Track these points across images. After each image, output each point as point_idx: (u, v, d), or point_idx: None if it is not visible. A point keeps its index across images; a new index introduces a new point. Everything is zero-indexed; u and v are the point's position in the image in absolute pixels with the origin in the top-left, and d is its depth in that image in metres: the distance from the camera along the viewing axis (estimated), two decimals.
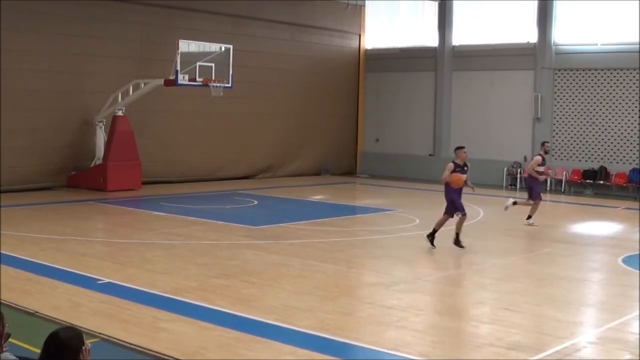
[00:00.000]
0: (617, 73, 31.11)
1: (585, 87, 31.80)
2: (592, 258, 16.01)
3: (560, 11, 32.26)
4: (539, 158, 20.22)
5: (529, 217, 19.85)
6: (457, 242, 15.65)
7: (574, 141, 32.12)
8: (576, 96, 32.02)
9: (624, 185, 30.29)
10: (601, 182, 30.56)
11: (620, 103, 30.99)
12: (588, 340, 9.63)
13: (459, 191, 15.78)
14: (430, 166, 33.98)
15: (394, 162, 35.58)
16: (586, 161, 31.47)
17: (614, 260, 15.08)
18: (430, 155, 35.16)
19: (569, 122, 32.17)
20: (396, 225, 19.40)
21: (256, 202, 23.63)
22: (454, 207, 15.67)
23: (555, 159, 32.16)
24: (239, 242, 16.14)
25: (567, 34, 32.19)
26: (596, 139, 31.50)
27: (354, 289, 12.69)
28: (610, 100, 31.22)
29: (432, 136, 35.32)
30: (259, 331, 9.40)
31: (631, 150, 30.45)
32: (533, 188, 20.26)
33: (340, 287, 12.35)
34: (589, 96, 31.69)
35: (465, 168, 15.92)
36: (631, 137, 30.62)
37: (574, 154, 32.04)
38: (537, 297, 11.90)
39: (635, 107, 30.45)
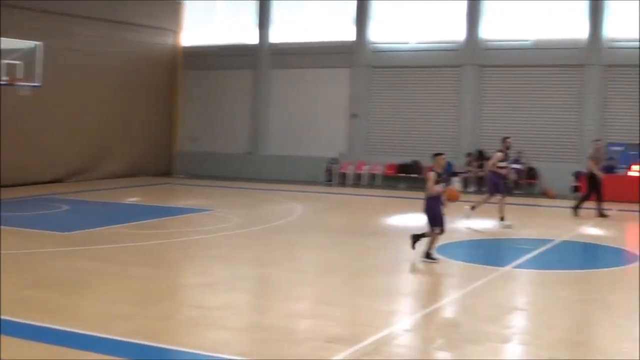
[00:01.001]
0: (431, 71, 32.28)
1: (400, 84, 32.77)
2: (406, 249, 16.47)
3: (376, 10, 33.11)
4: (500, 155, 20.16)
5: (502, 218, 19.58)
6: (428, 255, 14.50)
7: (389, 136, 33.03)
8: (391, 93, 32.94)
9: None
10: (415, 175, 31.56)
11: (433, 99, 32.16)
12: (404, 328, 9.86)
13: (439, 204, 14.44)
14: (249, 164, 34.07)
15: (212, 161, 35.32)
16: (400, 155, 32.42)
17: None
18: (249, 153, 35.17)
19: (385, 118, 33.05)
20: (215, 225, 19.18)
21: (67, 207, 22.51)
22: (434, 221, 14.35)
23: (372, 154, 32.98)
24: (50, 250, 15.36)
25: (383, 32, 33.04)
26: (410, 134, 32.52)
27: (173, 292, 12.42)
28: (424, 96, 32.34)
29: (250, 134, 35.33)
30: (72, 343, 8.96)
31: (443, 144, 31.61)
32: (497, 184, 20.03)
33: (159, 291, 12.03)
34: (403, 93, 32.68)
35: (444, 176, 14.86)
36: (443, 131, 31.84)
37: (389, 148, 32.94)
38: (354, 290, 12.10)
39: (449, 102, 31.73)
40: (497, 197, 19.94)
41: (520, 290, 12.75)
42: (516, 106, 30.85)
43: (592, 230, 19.65)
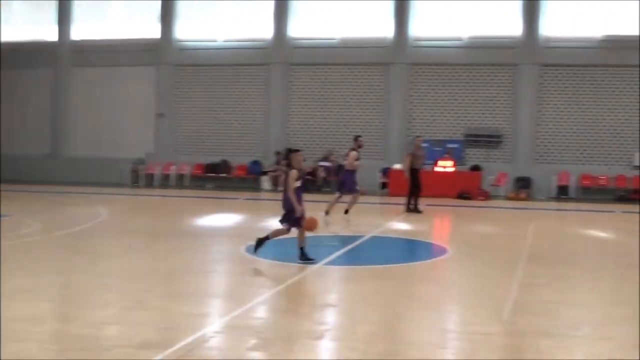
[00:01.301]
0: (239, 69, 32.09)
1: (207, 82, 32.39)
2: (216, 249, 16.14)
3: (183, 8, 32.56)
4: (355, 153, 20.34)
5: (326, 212, 19.74)
6: (303, 255, 14.18)
7: (197, 136, 32.58)
8: (199, 92, 32.50)
9: (245, 177, 31.34)
10: (223, 174, 31.29)
11: (241, 98, 31.99)
12: (215, 330, 9.54)
13: (299, 198, 14.06)
14: (50, 167, 32.57)
15: (8, 163, 33.47)
16: (209, 155, 32.05)
17: (237, 250, 15.34)
18: (49, 155, 33.61)
19: (192, 117, 32.57)
20: (12, 232, 18.02)
21: None
22: (294, 218, 13.99)
23: (179, 154, 32.40)
24: None
25: (189, 30, 32.54)
26: (218, 133, 32.22)
27: None
28: (232, 95, 32.12)
29: (51, 135, 33.80)
30: None
31: (252, 142, 31.57)
32: (346, 182, 20.25)
33: None
34: (211, 91, 32.32)
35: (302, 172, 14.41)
36: (252, 130, 31.75)
37: (197, 148, 32.48)
38: (163, 293, 11.62)
39: (258, 101, 31.66)
40: (337, 195, 20.27)
41: (332, 286, 12.72)
42: (324, 104, 31.24)
43: (401, 225, 20.08)
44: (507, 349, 9.16)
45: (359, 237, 17.28)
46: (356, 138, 21.66)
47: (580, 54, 29.22)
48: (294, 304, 10.96)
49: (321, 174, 29.73)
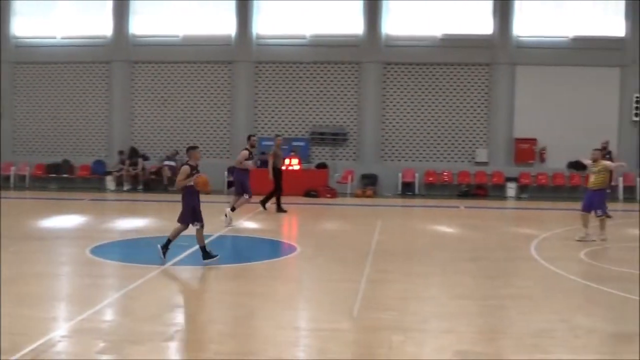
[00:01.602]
0: (79, 66, 31.12)
1: (47, 80, 31.26)
2: (61, 252, 15.54)
3: (20, 5, 31.32)
4: (246, 152, 19.95)
5: (233, 208, 19.38)
6: (207, 255, 13.73)
7: (37, 136, 31.40)
8: (38, 90, 31.33)
9: (88, 177, 30.46)
10: (65, 175, 30.30)
11: (83, 97, 31.05)
12: (62, 334, 9.17)
13: (198, 198, 13.80)
14: None
15: None
16: (50, 155, 30.96)
17: (82, 252, 14.82)
18: None
19: (31, 116, 31.35)
20: None
21: None
22: (193, 215, 13.67)
23: (19, 154, 31.13)
24: None
25: (26, 27, 31.32)
26: (59, 132, 31.17)
27: None
28: (73, 94, 31.12)
29: None
30: None
31: (94, 142, 30.69)
32: (244, 183, 19.86)
33: None
34: (51, 90, 31.22)
35: (198, 170, 13.99)
36: (95, 129, 30.87)
37: (37, 148, 31.31)
38: (8, 298, 11.06)
39: (100, 100, 30.81)
40: (237, 195, 20.01)
41: (180, 287, 12.51)
42: (168, 103, 30.77)
43: (248, 224, 20.01)
44: (358, 344, 9.24)
45: (206, 236, 17.08)
46: (249, 137, 21.54)
47: (421, 53, 30.01)
48: (142, 305, 10.68)
49: (166, 173, 29.26)
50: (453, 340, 9.27)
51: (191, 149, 14.02)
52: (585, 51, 29.33)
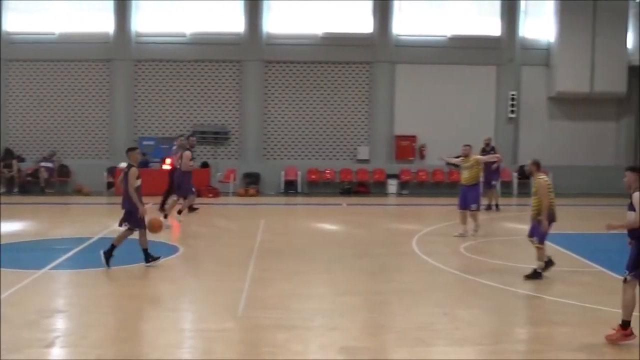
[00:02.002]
0: None
1: None
2: None
3: None
4: (189, 153, 19.66)
5: (165, 216, 19.01)
6: (149, 257, 13.60)
7: None
8: None
9: None
10: None
11: None
12: None
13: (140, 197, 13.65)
14: None
15: None
16: None
17: None
18: None
19: None
20: None
21: None
22: (131, 218, 13.42)
23: None
24: None
25: None
26: None
27: None
28: None
29: None
30: None
31: None
32: (183, 184, 19.59)
33: None
34: None
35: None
36: None
37: None
38: None
39: None
40: (183, 197, 19.76)
41: (60, 292, 12.13)
42: (44, 102, 29.87)
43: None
44: (244, 344, 9.20)
45: (87, 238, 16.68)
46: (188, 137, 21.22)
47: (303, 51, 30.09)
48: (20, 312, 10.29)
49: (43, 175, 28.40)
50: (338, 337, 9.33)
51: (131, 150, 14.11)
52: (463, 50, 30.07)
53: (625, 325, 9.10)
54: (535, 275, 12.80)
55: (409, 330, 9.65)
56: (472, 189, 17.65)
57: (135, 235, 13.55)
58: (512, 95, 29.97)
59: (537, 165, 13.19)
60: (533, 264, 12.95)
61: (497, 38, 30.20)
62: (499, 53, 30.12)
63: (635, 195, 9.14)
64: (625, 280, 9.20)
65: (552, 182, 13.22)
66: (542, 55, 30.33)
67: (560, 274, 13.38)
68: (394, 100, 30.22)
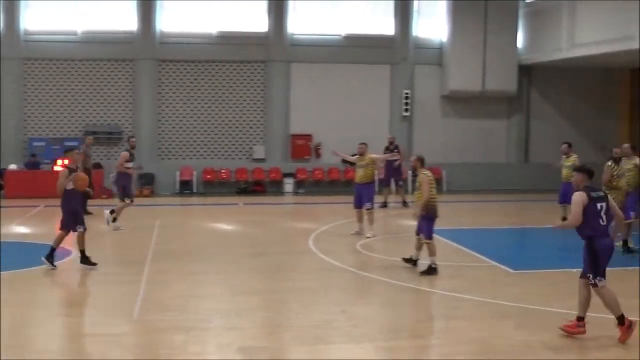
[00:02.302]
0: None
1: None
2: None
3: None
4: (126, 154, 19.09)
5: (114, 219, 18.65)
6: (86, 259, 13.45)
7: None
8: None
9: None
10: None
11: None
12: None
13: (78, 200, 13.65)
14: None
15: None
16: None
17: None
18: None
19: None
20: None
21: None
22: (75, 219, 13.28)
23: None
24: None
25: None
26: None
27: None
28: None
29: None
30: None
31: None
32: (125, 186, 19.10)
33: None
34: None
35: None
36: None
37: None
38: None
39: None
40: (127, 199, 19.20)
41: None
42: None
43: (20, 229, 19.17)
44: (140, 347, 9.02)
45: None
46: (129, 139, 20.74)
47: (197, 50, 29.76)
48: None
49: None
50: (237, 337, 9.26)
51: (69, 151, 14.04)
52: (357, 49, 30.30)
53: (621, 320, 9.10)
54: (430, 270, 13.01)
55: (307, 328, 9.65)
56: (367, 187, 17.71)
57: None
58: (406, 93, 30.39)
59: (421, 161, 13.55)
60: (427, 260, 13.16)
61: (391, 37, 30.56)
62: (393, 52, 30.50)
63: (574, 195, 9.26)
64: (594, 285, 9.18)
65: (437, 179, 13.53)
66: (435, 55, 30.86)
67: (454, 269, 13.65)
68: (290, 99, 30.24)
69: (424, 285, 12.32)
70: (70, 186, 13.30)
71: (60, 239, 13.48)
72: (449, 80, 30.20)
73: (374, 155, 18.22)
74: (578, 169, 9.71)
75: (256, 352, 8.73)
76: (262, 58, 30.03)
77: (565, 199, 19.20)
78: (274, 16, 29.80)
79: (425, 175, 13.18)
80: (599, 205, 9.16)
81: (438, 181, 29.74)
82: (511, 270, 13.61)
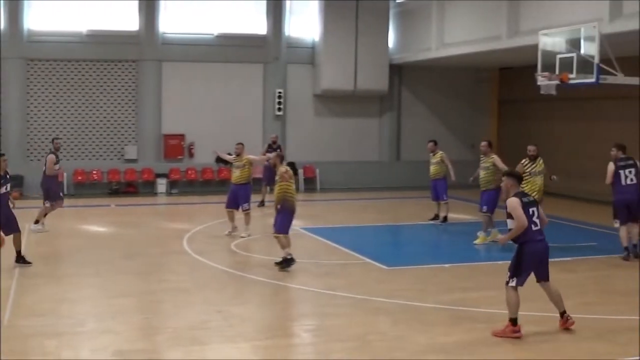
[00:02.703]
0: None
1: None
2: None
3: None
4: (53, 157, 18.70)
5: (37, 221, 18.39)
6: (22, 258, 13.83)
7: None
8: None
9: None
10: None
11: None
12: None
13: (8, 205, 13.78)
14: None
15: None
16: None
17: None
18: None
19: None
20: None
21: None
22: (8, 224, 13.30)
23: None
24: None
25: None
26: None
27: None
28: None
29: None
30: None
31: None
32: (51, 189, 18.78)
33: None
34: None
35: (8, 176, 13.76)
36: None
37: None
38: None
39: None
40: (47, 205, 18.75)
41: None
42: None
43: None
44: (11, 354, 8.80)
45: None
46: (53, 140, 20.09)
47: (67, 49, 28.98)
48: None
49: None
50: (111, 340, 9.18)
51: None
52: (230, 48, 30.20)
53: (514, 322, 9.31)
54: (286, 262, 13.22)
55: (183, 329, 9.65)
56: (243, 188, 17.76)
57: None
58: (279, 92, 30.54)
59: (281, 157, 14.34)
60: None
61: (264, 36, 30.63)
62: (266, 51, 30.59)
63: (509, 201, 9.36)
64: (507, 284, 9.38)
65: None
66: (307, 54, 31.13)
67: (329, 267, 13.89)
68: (162, 99, 29.86)
69: (298, 284, 12.49)
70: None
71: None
72: (322, 80, 30.52)
73: (250, 157, 18.28)
74: (507, 173, 9.80)
75: (131, 355, 8.67)
76: (133, 57, 29.55)
77: (438, 196, 19.86)
78: (145, 15, 29.36)
79: (282, 169, 13.61)
80: (530, 210, 9.34)
81: (312, 180, 30.20)
82: (385, 267, 13.95)
